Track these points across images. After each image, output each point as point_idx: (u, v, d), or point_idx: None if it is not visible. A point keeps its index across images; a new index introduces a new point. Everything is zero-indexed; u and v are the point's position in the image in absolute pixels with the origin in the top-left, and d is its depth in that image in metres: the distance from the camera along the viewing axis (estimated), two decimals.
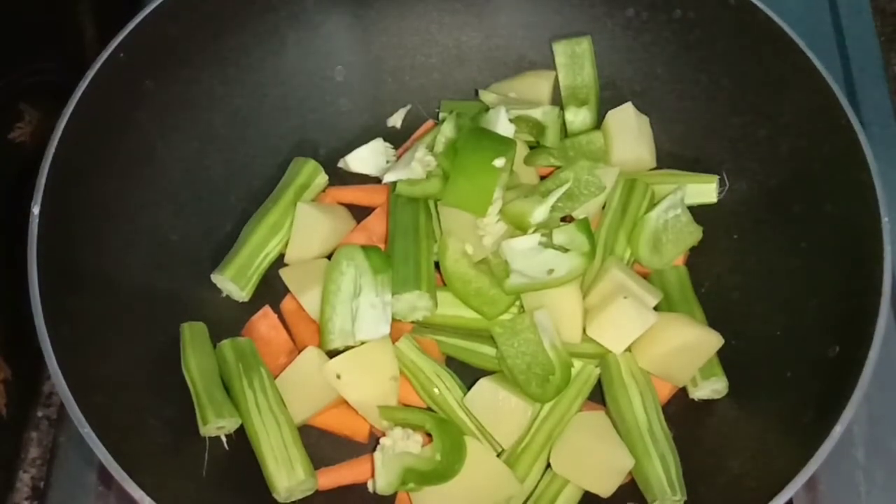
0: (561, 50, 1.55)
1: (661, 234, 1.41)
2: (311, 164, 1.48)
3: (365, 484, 1.31)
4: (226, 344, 1.35)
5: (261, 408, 1.30)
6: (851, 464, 1.34)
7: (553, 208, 1.37)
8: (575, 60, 1.55)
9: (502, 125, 1.41)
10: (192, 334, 1.36)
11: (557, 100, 1.56)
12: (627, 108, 1.50)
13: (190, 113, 1.50)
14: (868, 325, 1.18)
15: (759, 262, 1.42)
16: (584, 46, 1.55)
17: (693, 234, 1.42)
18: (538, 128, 1.48)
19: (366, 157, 1.51)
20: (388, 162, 1.51)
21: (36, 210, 1.24)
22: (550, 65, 1.56)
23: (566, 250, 1.33)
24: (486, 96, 1.52)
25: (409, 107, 1.61)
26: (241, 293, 1.42)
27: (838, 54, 1.66)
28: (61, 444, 1.37)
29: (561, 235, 1.34)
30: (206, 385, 1.31)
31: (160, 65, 1.44)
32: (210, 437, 1.31)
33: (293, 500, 1.28)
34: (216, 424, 1.29)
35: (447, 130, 1.42)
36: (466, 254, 1.36)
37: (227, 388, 1.33)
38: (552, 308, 1.33)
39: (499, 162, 1.35)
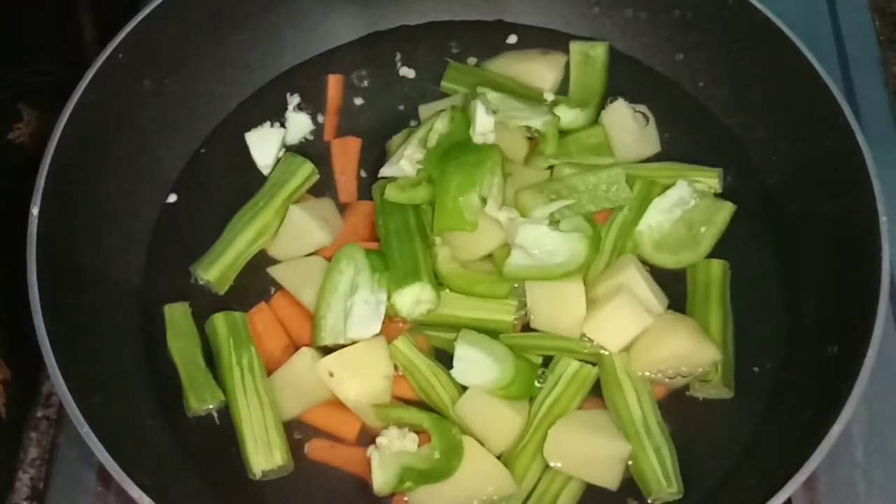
0: (577, 49, 1.57)
1: (680, 230, 1.40)
2: (307, 168, 1.46)
3: (355, 485, 1.30)
4: (218, 317, 1.35)
5: (246, 387, 1.30)
6: (850, 463, 1.34)
7: (569, 207, 1.38)
8: (587, 62, 1.56)
9: (480, 120, 1.41)
10: (173, 316, 1.37)
11: (562, 89, 1.56)
12: (619, 105, 1.50)
13: (190, 113, 1.50)
14: (867, 324, 1.18)
15: (758, 262, 1.42)
16: (598, 51, 1.57)
17: (723, 210, 1.41)
18: (538, 134, 1.47)
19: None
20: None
21: (35, 210, 1.25)
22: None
23: (569, 235, 1.34)
24: (486, 93, 1.52)
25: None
26: (220, 291, 1.41)
27: (837, 55, 1.66)
28: (60, 445, 1.37)
29: (566, 223, 1.35)
30: (188, 368, 1.33)
31: (160, 65, 1.44)
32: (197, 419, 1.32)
33: (267, 479, 1.28)
34: (201, 409, 1.31)
35: (440, 126, 1.42)
36: (455, 257, 1.37)
37: (216, 363, 1.33)
38: (554, 301, 1.34)
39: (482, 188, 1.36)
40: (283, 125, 1.53)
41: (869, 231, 1.24)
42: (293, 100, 1.55)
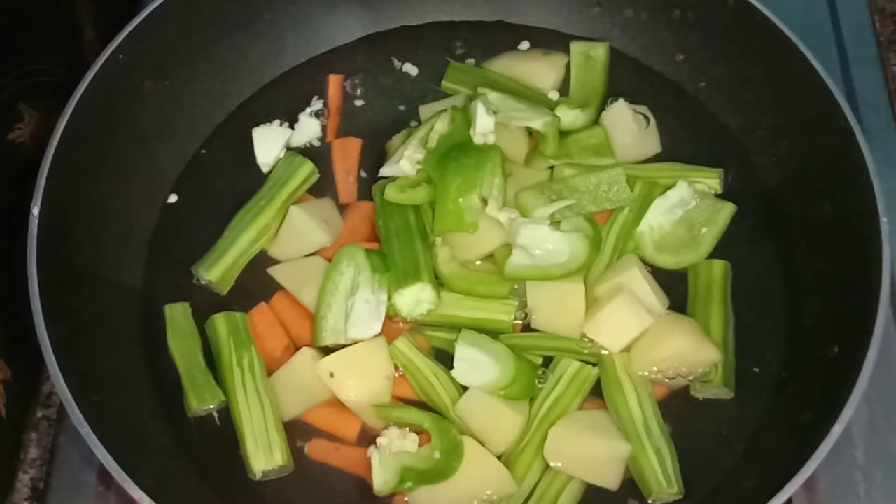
0: (578, 50, 1.57)
1: (681, 231, 1.40)
2: (308, 167, 1.46)
3: (355, 485, 1.31)
4: (219, 317, 1.35)
5: (247, 387, 1.30)
6: (850, 463, 1.34)
7: (570, 208, 1.39)
8: (588, 62, 1.56)
9: (481, 120, 1.41)
10: (173, 316, 1.37)
11: (562, 89, 1.56)
12: (620, 106, 1.50)
13: (190, 113, 1.50)
14: (867, 325, 1.18)
15: (758, 262, 1.42)
16: (599, 52, 1.57)
17: (724, 210, 1.41)
18: (538, 135, 1.47)
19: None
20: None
21: (36, 210, 1.25)
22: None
23: (570, 235, 1.34)
24: (488, 93, 1.52)
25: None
26: (222, 291, 1.41)
27: (837, 55, 1.66)
28: (61, 445, 1.37)
29: (567, 224, 1.36)
30: (188, 368, 1.33)
31: (160, 65, 1.44)
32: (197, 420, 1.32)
33: (268, 479, 1.28)
34: (201, 409, 1.31)
35: (440, 126, 1.42)
36: (455, 257, 1.37)
37: (216, 364, 1.33)
38: (555, 301, 1.34)
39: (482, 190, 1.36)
40: (291, 126, 1.53)
41: (869, 231, 1.24)
42: (316, 104, 1.55)
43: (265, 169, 1.50)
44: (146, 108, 1.45)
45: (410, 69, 1.59)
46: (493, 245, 1.37)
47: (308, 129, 1.53)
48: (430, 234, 1.38)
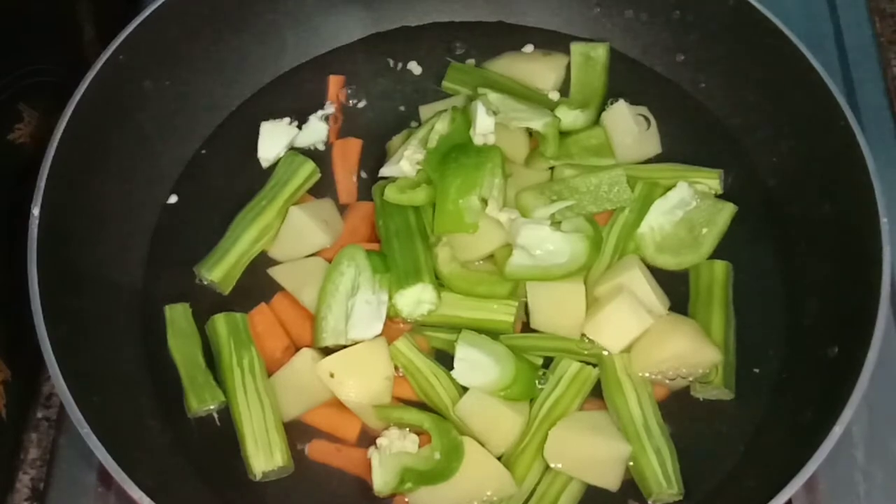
0: (578, 50, 1.57)
1: (681, 232, 1.40)
2: (309, 166, 1.46)
3: (355, 485, 1.31)
4: (219, 317, 1.35)
5: (247, 388, 1.30)
6: (851, 464, 1.34)
7: (571, 208, 1.39)
8: (588, 63, 1.56)
9: (481, 121, 1.41)
10: (174, 316, 1.37)
11: (562, 90, 1.56)
12: (620, 106, 1.50)
13: (190, 113, 1.50)
14: (867, 325, 1.18)
15: (758, 263, 1.42)
16: (599, 52, 1.57)
17: (724, 210, 1.41)
18: (538, 136, 1.47)
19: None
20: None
21: (36, 210, 1.25)
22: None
23: (571, 235, 1.34)
24: (488, 94, 1.52)
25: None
26: (224, 291, 1.41)
27: (837, 56, 1.66)
28: (61, 445, 1.37)
29: (568, 224, 1.36)
30: (188, 368, 1.33)
31: (160, 65, 1.44)
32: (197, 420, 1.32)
33: (268, 480, 1.28)
34: (201, 410, 1.31)
35: (440, 127, 1.42)
36: (455, 257, 1.37)
37: (216, 364, 1.33)
38: (555, 301, 1.34)
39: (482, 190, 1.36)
40: (299, 126, 1.53)
41: (869, 231, 1.24)
42: (329, 107, 1.55)
43: (264, 164, 1.50)
44: (146, 108, 1.45)
45: (411, 69, 1.60)
46: (493, 245, 1.37)
47: (316, 131, 1.53)
48: (430, 235, 1.39)
